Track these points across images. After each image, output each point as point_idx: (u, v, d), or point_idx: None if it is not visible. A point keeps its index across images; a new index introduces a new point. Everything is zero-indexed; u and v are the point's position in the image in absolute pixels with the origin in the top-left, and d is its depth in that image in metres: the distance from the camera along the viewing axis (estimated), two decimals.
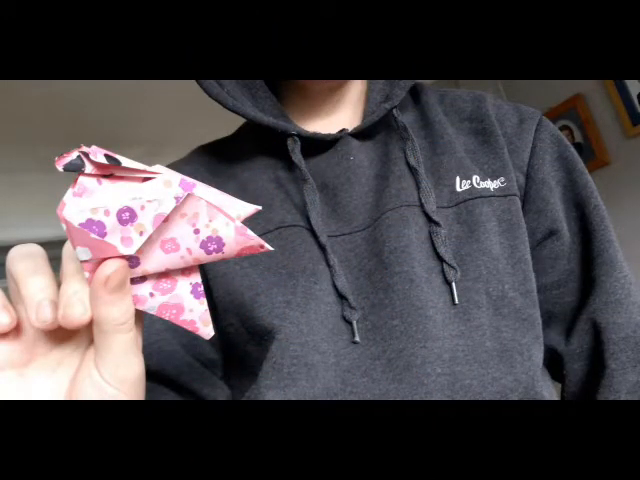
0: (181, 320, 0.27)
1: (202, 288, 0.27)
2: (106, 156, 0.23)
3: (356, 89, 0.51)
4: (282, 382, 0.40)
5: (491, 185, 0.45)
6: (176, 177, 0.25)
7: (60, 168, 0.23)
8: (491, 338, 0.40)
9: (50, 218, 2.39)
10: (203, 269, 0.45)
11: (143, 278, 0.26)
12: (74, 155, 0.23)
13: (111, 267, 0.24)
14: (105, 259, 0.24)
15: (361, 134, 0.47)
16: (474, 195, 0.44)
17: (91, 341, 0.27)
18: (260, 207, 0.27)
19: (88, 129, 2.08)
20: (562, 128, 1.87)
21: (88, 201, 0.23)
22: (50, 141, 2.05)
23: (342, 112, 0.51)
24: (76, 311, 0.24)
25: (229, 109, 0.45)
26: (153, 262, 0.25)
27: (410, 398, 0.38)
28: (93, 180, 0.24)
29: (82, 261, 0.24)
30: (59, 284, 0.26)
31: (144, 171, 0.24)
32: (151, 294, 0.26)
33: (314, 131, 0.46)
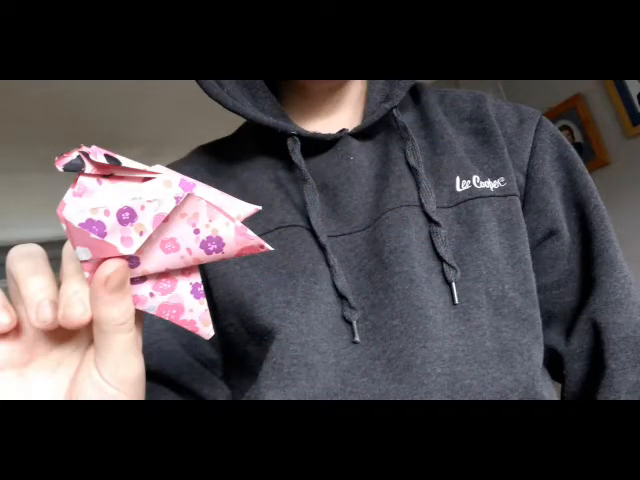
0: (181, 320, 0.27)
1: (202, 288, 0.27)
2: (106, 156, 0.23)
3: (356, 89, 0.51)
4: (282, 382, 0.40)
5: (491, 185, 0.45)
6: (176, 177, 0.25)
7: (60, 168, 0.23)
8: (491, 338, 0.40)
9: (50, 218, 2.39)
10: (203, 269, 0.45)
11: (143, 278, 0.26)
12: (74, 155, 0.23)
13: (111, 267, 0.24)
14: (105, 259, 0.24)
15: (361, 134, 0.47)
16: (474, 195, 0.44)
17: (91, 341, 0.27)
18: (260, 207, 0.27)
19: (88, 129, 2.08)
20: (562, 128, 1.87)
21: (88, 201, 0.23)
22: (50, 141, 2.05)
23: (342, 112, 0.51)
24: (76, 311, 0.24)
25: (229, 109, 0.45)
26: (153, 262, 0.25)
27: (410, 398, 0.38)
28: (93, 180, 0.24)
29: (82, 261, 0.24)
30: (59, 284, 0.26)
31: (144, 171, 0.24)
32: (151, 294, 0.26)
33: (314, 131, 0.46)
